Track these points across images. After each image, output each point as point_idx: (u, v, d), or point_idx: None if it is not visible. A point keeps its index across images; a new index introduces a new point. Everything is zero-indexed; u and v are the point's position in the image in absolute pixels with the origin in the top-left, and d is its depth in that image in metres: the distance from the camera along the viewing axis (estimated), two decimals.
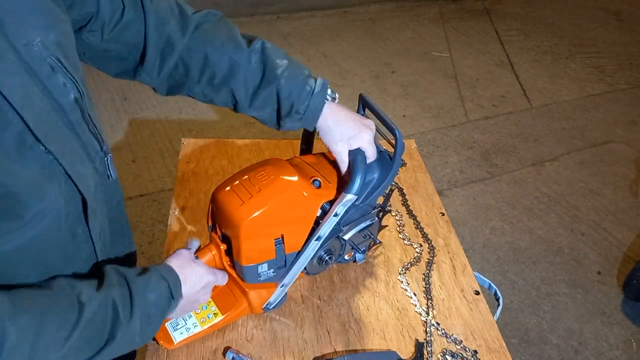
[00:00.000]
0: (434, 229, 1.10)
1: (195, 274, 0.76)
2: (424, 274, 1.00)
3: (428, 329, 0.89)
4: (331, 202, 0.80)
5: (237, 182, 0.79)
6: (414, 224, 1.11)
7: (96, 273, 0.67)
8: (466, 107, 3.31)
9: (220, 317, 0.84)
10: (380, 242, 1.02)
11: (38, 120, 0.57)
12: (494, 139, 3.04)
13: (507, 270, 2.23)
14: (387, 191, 0.89)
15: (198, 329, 0.83)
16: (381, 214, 0.94)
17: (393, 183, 1.21)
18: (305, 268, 0.86)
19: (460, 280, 0.99)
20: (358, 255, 0.94)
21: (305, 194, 0.78)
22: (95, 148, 0.70)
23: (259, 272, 0.81)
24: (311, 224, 0.81)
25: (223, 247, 0.82)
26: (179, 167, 1.21)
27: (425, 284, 0.97)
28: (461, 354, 0.85)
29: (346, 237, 0.87)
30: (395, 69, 3.65)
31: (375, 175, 0.83)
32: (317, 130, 0.83)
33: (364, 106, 0.87)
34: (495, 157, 2.89)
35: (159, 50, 0.78)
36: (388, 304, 0.93)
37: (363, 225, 0.88)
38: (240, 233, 0.75)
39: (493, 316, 0.93)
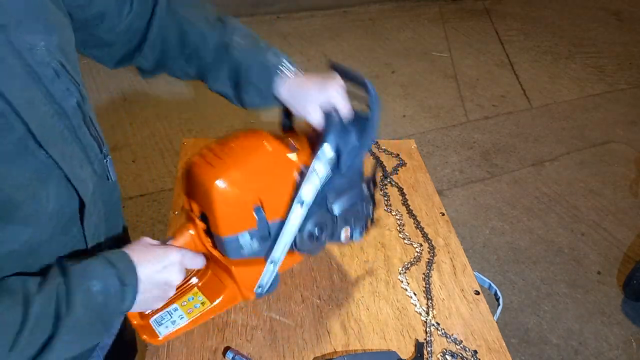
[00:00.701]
0: (434, 229, 1.10)
1: (153, 254, 0.69)
2: (424, 273, 1.00)
3: (428, 329, 0.89)
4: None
5: (207, 150, 0.73)
6: (414, 223, 1.11)
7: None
8: (466, 107, 3.31)
9: (208, 306, 0.79)
10: (377, 221, 0.93)
11: (40, 125, 0.57)
12: (494, 139, 3.04)
13: (507, 270, 2.23)
14: (374, 164, 0.85)
15: (185, 321, 0.78)
16: (372, 186, 0.87)
17: (392, 182, 1.21)
18: (295, 244, 0.78)
19: (460, 280, 0.99)
20: (355, 235, 0.86)
21: (280, 155, 0.74)
22: (95, 151, 0.70)
23: (240, 243, 0.73)
24: (291, 189, 0.75)
25: (202, 226, 0.75)
26: (179, 167, 1.21)
27: (425, 284, 0.97)
28: (461, 354, 0.85)
29: (336, 210, 0.80)
30: (395, 69, 3.65)
31: (354, 139, 0.77)
32: (287, 105, 0.80)
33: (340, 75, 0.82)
34: (495, 157, 2.89)
35: (156, 33, 0.79)
36: (388, 304, 0.93)
37: (353, 198, 0.82)
38: (213, 199, 0.69)
39: (493, 316, 0.93)
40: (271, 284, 0.80)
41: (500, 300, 1.02)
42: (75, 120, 0.64)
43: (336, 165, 0.76)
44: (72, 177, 0.63)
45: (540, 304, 2.10)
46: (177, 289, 0.74)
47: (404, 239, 1.07)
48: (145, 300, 0.68)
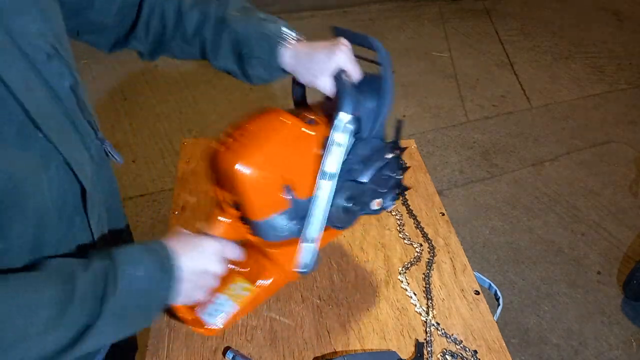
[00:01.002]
0: (434, 229, 1.10)
1: (192, 244, 0.69)
2: (424, 273, 1.00)
3: (428, 329, 0.89)
4: None
5: (225, 135, 0.72)
6: (414, 223, 1.11)
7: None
8: (466, 107, 3.31)
9: (255, 291, 0.78)
10: (409, 187, 0.89)
11: (38, 110, 0.57)
12: (494, 139, 3.04)
13: (507, 270, 2.23)
14: (395, 125, 0.80)
15: (235, 307, 0.77)
16: (397, 150, 0.82)
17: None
18: (329, 219, 0.74)
19: (460, 280, 0.99)
20: (386, 202, 0.83)
21: (299, 130, 0.71)
22: (91, 136, 0.70)
23: (276, 225, 0.72)
24: (318, 164, 0.72)
25: (236, 214, 0.74)
26: (179, 167, 1.21)
27: (425, 284, 0.97)
28: (461, 354, 0.85)
29: (364, 179, 0.76)
30: (395, 69, 3.64)
31: (371, 102, 0.74)
32: (294, 75, 0.77)
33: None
34: (495, 157, 2.89)
35: (148, 14, 0.80)
36: (388, 304, 0.93)
37: (379, 163, 0.78)
38: (241, 184, 0.68)
39: (493, 316, 0.93)
40: (315, 262, 0.78)
41: (500, 300, 1.02)
42: (69, 103, 0.64)
43: (357, 131, 0.73)
44: (71, 160, 0.62)
45: (540, 304, 2.10)
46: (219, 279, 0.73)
47: (404, 239, 1.07)
48: (187, 290, 0.67)
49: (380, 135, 0.78)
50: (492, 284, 1.06)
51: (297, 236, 0.75)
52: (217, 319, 0.77)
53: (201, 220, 1.06)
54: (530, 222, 2.48)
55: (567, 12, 4.73)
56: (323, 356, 0.83)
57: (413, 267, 1.01)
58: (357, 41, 0.75)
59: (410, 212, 1.14)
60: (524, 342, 1.95)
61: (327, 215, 0.73)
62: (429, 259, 1.03)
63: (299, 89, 0.82)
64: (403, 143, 1.33)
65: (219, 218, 0.75)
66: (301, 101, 0.83)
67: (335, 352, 0.84)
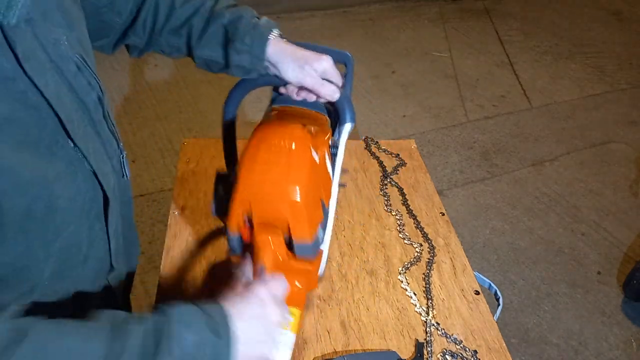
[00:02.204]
0: (434, 229, 1.10)
1: (242, 298, 0.60)
2: (424, 273, 1.00)
3: (428, 329, 0.89)
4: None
5: (251, 156, 0.69)
6: (414, 223, 1.11)
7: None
8: (466, 107, 3.31)
9: (295, 311, 0.72)
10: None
11: (69, 118, 0.57)
12: (494, 139, 3.04)
13: (507, 270, 2.23)
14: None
15: (292, 336, 0.71)
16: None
17: (392, 182, 1.21)
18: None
19: (460, 280, 0.99)
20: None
21: (314, 143, 0.73)
22: (114, 146, 0.71)
23: (319, 239, 0.73)
24: (323, 170, 0.75)
25: (280, 241, 0.70)
26: (179, 167, 1.21)
27: (425, 284, 0.97)
28: (461, 354, 0.85)
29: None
30: (395, 69, 3.65)
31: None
32: (277, 67, 0.78)
33: None
34: (495, 157, 2.89)
35: (147, 9, 0.80)
36: (388, 304, 0.93)
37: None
38: (295, 206, 0.66)
39: (493, 316, 0.93)
40: (325, 262, 0.79)
41: (500, 300, 1.02)
42: (96, 115, 0.65)
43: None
44: (98, 170, 0.63)
45: (540, 304, 2.09)
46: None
47: (404, 239, 1.07)
48: (249, 350, 0.57)
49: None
50: (492, 284, 1.06)
51: (320, 246, 0.75)
52: (283, 355, 0.69)
53: (201, 221, 1.06)
54: (531, 222, 2.47)
55: (567, 12, 4.73)
56: (323, 356, 0.83)
57: (413, 267, 1.01)
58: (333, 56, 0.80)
59: (410, 212, 1.14)
60: (524, 342, 1.95)
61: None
62: (429, 259, 1.03)
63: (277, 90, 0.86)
64: (403, 143, 1.34)
65: (266, 248, 0.69)
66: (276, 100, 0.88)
67: (335, 352, 0.84)
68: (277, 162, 0.68)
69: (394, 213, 1.13)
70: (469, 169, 2.79)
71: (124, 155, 0.75)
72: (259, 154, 0.69)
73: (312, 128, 0.76)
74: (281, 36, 0.80)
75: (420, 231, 1.09)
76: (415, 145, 1.34)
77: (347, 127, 0.76)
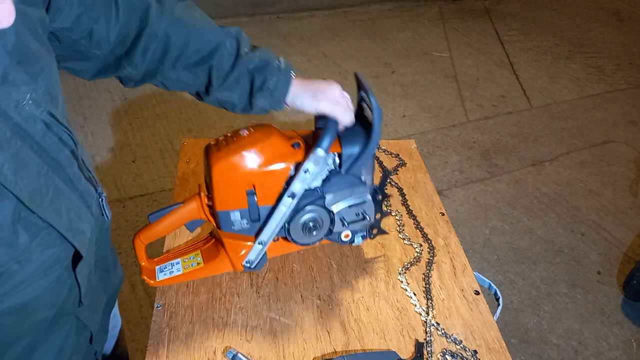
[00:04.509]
0: (434, 229, 1.10)
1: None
2: (424, 274, 1.00)
3: (428, 329, 0.89)
4: None
5: (222, 137, 0.84)
6: (414, 224, 1.11)
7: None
8: (466, 107, 3.31)
9: (201, 266, 0.91)
10: (386, 232, 1.01)
11: (33, 192, 0.54)
12: (494, 139, 3.04)
13: (507, 270, 2.23)
14: (381, 174, 0.89)
15: (179, 273, 0.90)
16: (379, 196, 0.92)
17: (392, 182, 1.21)
18: (289, 232, 0.86)
19: (460, 280, 0.99)
20: (356, 238, 0.94)
21: (281, 149, 0.81)
22: (92, 194, 0.68)
23: (231, 219, 0.84)
24: (284, 180, 0.82)
25: (205, 200, 0.86)
26: (179, 167, 1.21)
27: (425, 284, 0.97)
28: (461, 354, 0.85)
29: (334, 209, 0.86)
30: (395, 69, 3.65)
31: (356, 146, 0.83)
32: (291, 106, 0.84)
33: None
34: (495, 157, 2.89)
35: (145, 39, 0.76)
36: (388, 304, 0.93)
37: (352, 200, 0.87)
38: (212, 177, 0.80)
39: (493, 316, 0.93)
40: (258, 262, 0.89)
41: (500, 300, 1.02)
42: (71, 169, 0.61)
43: (338, 167, 0.85)
44: (69, 233, 0.61)
45: (540, 304, 2.10)
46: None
47: (403, 239, 1.07)
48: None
49: (358, 174, 0.86)
50: (492, 284, 1.06)
51: (247, 234, 0.86)
52: (160, 275, 0.90)
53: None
54: (530, 222, 2.48)
55: (567, 12, 4.73)
56: (323, 356, 0.83)
57: (413, 267, 1.01)
58: (361, 88, 0.84)
59: (410, 212, 1.14)
60: (524, 342, 1.95)
61: (280, 226, 0.84)
62: (428, 259, 1.03)
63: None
64: (403, 143, 1.34)
65: (194, 199, 0.86)
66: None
67: (335, 352, 0.84)
68: (225, 144, 0.81)
69: (393, 213, 1.13)
70: (468, 169, 2.79)
71: (104, 199, 0.72)
72: (227, 136, 0.83)
73: (300, 144, 0.83)
74: (295, 72, 0.84)
75: (420, 231, 1.09)
76: (415, 145, 1.34)
77: (314, 152, 0.78)
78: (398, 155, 1.30)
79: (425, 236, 1.08)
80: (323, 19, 4.28)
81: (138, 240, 0.89)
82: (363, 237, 0.94)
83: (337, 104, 0.81)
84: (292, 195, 0.81)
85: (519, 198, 2.61)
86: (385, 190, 0.94)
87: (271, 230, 0.85)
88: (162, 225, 0.88)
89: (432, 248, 1.05)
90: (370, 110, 0.80)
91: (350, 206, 0.88)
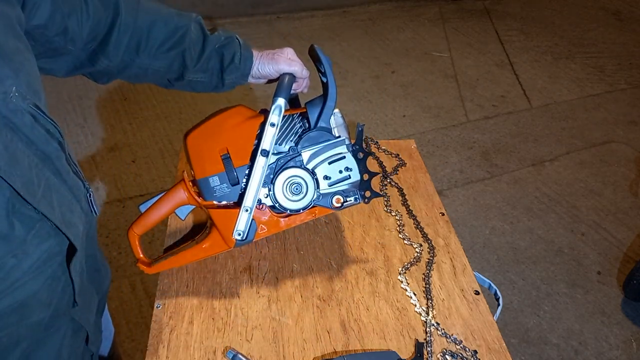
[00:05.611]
0: (434, 229, 1.10)
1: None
2: (424, 274, 1.00)
3: (428, 329, 0.89)
4: None
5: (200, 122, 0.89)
6: (414, 224, 1.11)
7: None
8: (466, 107, 3.31)
9: (193, 246, 0.91)
10: (381, 195, 0.96)
11: (26, 182, 0.54)
12: (494, 139, 3.04)
13: (507, 270, 2.23)
14: (359, 131, 0.88)
15: (172, 257, 0.91)
16: (360, 154, 0.89)
17: (392, 182, 1.21)
18: (277, 201, 0.86)
19: (460, 280, 0.99)
20: (347, 201, 0.90)
21: (245, 113, 0.88)
22: (80, 188, 0.69)
23: (212, 185, 0.85)
24: (254, 136, 0.86)
25: (190, 180, 0.89)
26: (179, 167, 1.21)
27: (425, 284, 0.97)
28: (461, 354, 0.85)
29: (311, 166, 0.86)
30: (395, 69, 3.65)
31: (319, 101, 0.87)
32: (257, 74, 0.92)
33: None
34: (495, 157, 2.89)
35: (118, 30, 0.79)
36: (388, 304, 0.93)
37: (329, 154, 0.87)
38: (187, 149, 0.85)
39: (493, 316, 0.93)
40: (248, 233, 0.87)
41: (500, 300, 1.02)
42: (59, 162, 0.62)
43: (307, 127, 0.87)
44: (63, 225, 0.61)
45: (540, 304, 2.10)
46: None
47: (403, 239, 1.07)
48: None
49: (326, 125, 0.88)
50: (492, 284, 1.06)
51: (230, 200, 0.87)
52: (153, 262, 0.92)
53: (200, 220, 1.06)
54: (530, 222, 2.48)
55: (567, 12, 4.73)
56: (323, 356, 0.83)
57: (413, 267, 1.01)
58: (316, 60, 0.90)
59: (410, 212, 1.14)
60: (524, 342, 1.95)
61: (260, 185, 0.84)
62: (428, 259, 1.03)
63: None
64: (403, 143, 1.34)
65: (180, 186, 0.89)
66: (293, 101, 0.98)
67: (335, 352, 0.84)
68: (197, 125, 0.88)
69: (393, 213, 1.13)
70: (468, 169, 2.79)
71: (91, 194, 0.73)
72: (202, 120, 0.89)
73: (267, 110, 0.86)
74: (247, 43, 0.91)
75: (420, 231, 1.09)
76: (415, 145, 1.34)
77: (274, 103, 0.82)
78: (398, 155, 1.30)
79: (425, 236, 1.08)
80: (323, 19, 4.28)
81: (132, 231, 0.92)
82: (356, 199, 0.90)
83: (294, 61, 0.90)
84: (265, 153, 0.82)
85: (519, 198, 2.61)
86: (363, 146, 0.92)
87: (252, 194, 0.84)
88: (153, 213, 0.90)
89: (432, 248, 1.05)
90: (323, 68, 0.86)
91: (330, 162, 0.87)
